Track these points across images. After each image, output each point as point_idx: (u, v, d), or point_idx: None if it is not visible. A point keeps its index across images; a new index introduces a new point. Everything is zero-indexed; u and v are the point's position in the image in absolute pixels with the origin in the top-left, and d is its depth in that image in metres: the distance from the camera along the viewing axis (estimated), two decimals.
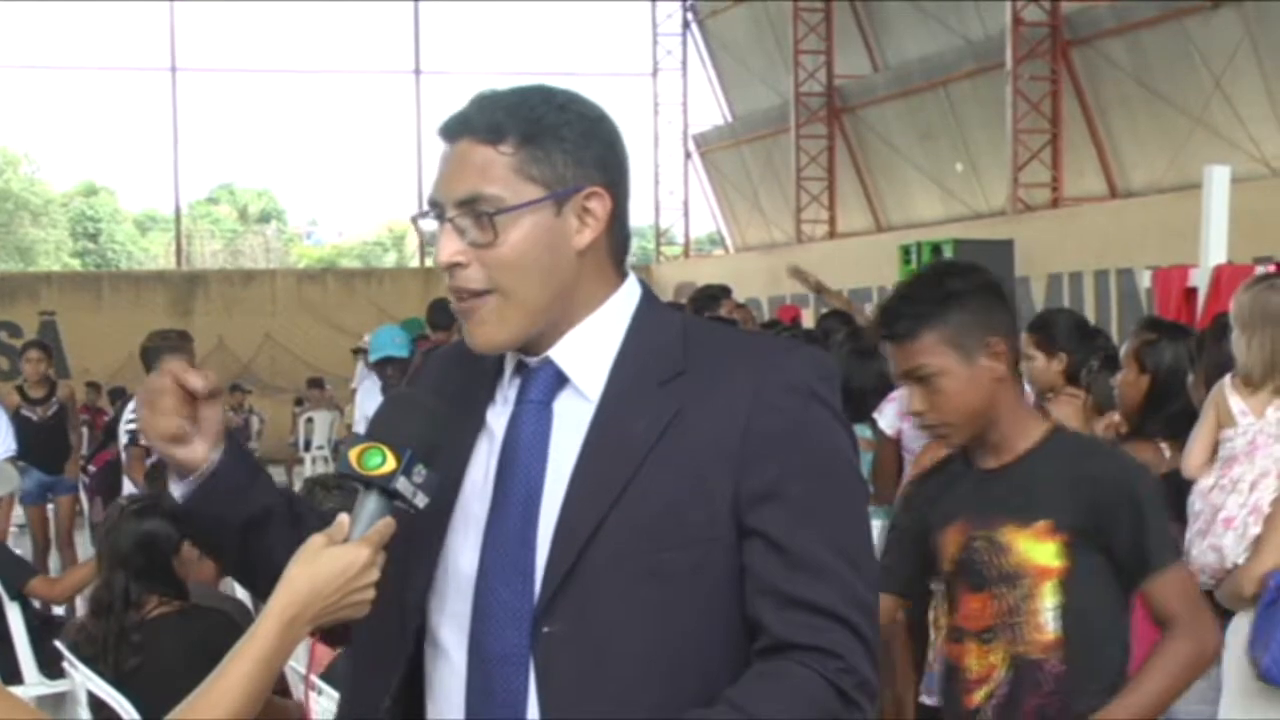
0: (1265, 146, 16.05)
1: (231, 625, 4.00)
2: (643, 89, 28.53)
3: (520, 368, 1.92)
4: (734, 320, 7.59)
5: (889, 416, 5.60)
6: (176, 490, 1.94)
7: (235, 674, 1.74)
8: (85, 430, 13.04)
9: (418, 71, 27.27)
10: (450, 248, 1.84)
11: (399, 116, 35.96)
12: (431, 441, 1.82)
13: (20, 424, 10.32)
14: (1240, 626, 4.02)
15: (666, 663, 1.80)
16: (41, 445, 10.67)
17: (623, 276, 1.93)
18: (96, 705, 4.23)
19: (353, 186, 73.96)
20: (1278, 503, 4.01)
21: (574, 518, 1.81)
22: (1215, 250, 6.53)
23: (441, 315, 8.98)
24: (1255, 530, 4.02)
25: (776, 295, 19.21)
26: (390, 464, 1.78)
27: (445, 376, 2.01)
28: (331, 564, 1.76)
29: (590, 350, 1.89)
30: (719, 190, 28.63)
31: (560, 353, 1.89)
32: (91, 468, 11.57)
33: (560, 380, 1.89)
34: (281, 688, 3.80)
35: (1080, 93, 18.75)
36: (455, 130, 1.87)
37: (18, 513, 11.15)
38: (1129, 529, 2.73)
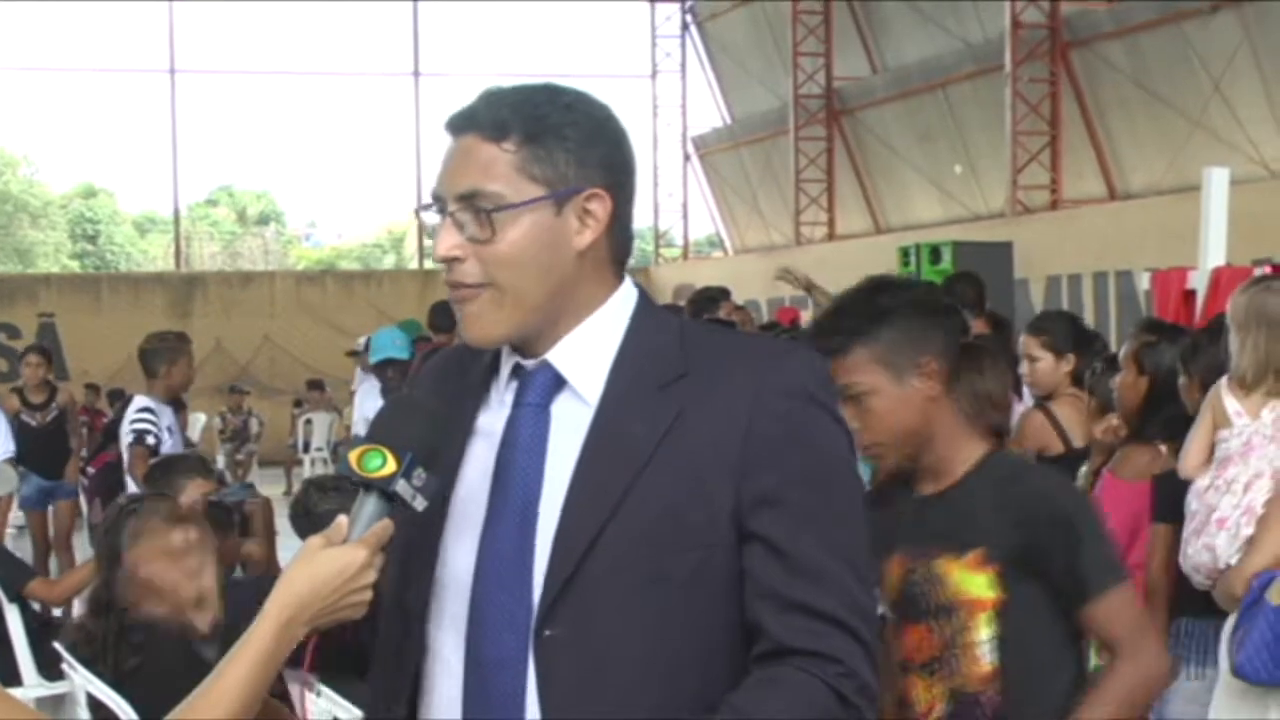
0: (1264, 149, 16.05)
1: (229, 626, 4.00)
2: (641, 91, 28.54)
3: (517, 371, 1.92)
4: (733, 322, 7.61)
5: None
6: None
7: (234, 674, 1.75)
8: (84, 432, 13.03)
9: (417, 73, 27.25)
10: (448, 241, 1.85)
11: (398, 118, 35.97)
12: (432, 445, 1.83)
13: (19, 429, 10.33)
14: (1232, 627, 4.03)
15: (667, 665, 1.80)
16: (41, 451, 10.68)
17: (621, 279, 1.93)
18: (95, 706, 4.23)
19: (352, 188, 73.93)
20: (1271, 503, 4.02)
21: (574, 524, 1.81)
22: (1214, 252, 6.53)
23: (443, 317, 8.99)
24: (1248, 531, 4.03)
25: (775, 297, 19.19)
26: (390, 466, 1.78)
27: (443, 379, 2.01)
28: (329, 564, 1.77)
29: (588, 352, 1.89)
30: (718, 192, 28.62)
31: (558, 355, 1.89)
32: (90, 469, 11.56)
33: (558, 383, 1.89)
34: (280, 689, 3.80)
35: (1079, 95, 18.75)
36: (461, 125, 1.88)
37: (17, 515, 11.15)
38: (1063, 554, 2.64)
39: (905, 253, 15.41)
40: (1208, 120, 16.55)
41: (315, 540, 1.79)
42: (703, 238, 35.40)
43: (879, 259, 17.58)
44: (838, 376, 2.66)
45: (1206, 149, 15.77)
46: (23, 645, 6.27)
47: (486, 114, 1.86)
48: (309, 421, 19.47)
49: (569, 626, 1.79)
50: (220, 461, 17.64)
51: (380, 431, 1.82)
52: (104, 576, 4.23)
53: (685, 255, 30.10)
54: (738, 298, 9.34)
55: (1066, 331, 5.72)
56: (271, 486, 13.88)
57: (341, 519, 1.80)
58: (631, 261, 1.98)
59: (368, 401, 9.88)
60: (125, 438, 7.06)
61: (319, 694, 3.64)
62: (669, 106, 28.82)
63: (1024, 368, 5.73)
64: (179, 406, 7.85)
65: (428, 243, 27.77)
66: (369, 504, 1.79)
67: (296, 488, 6.98)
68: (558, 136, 1.85)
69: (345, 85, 41.65)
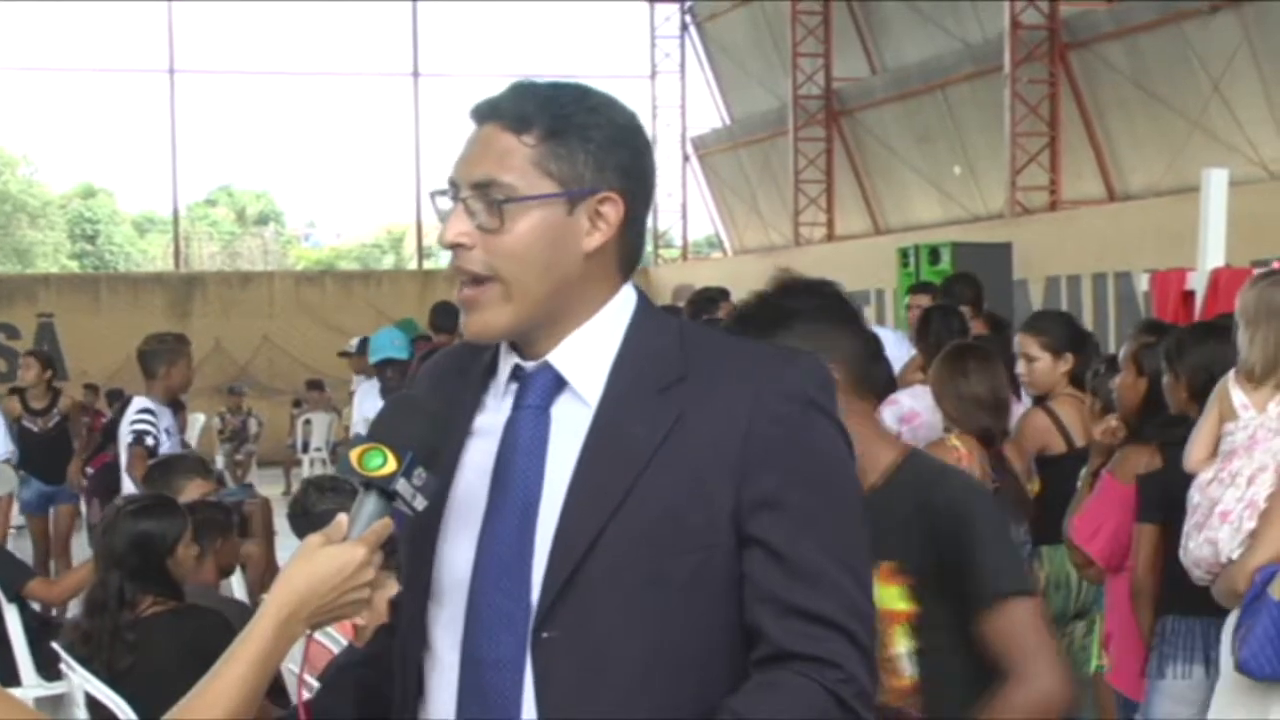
0: (1263, 150, 16.04)
1: (226, 625, 4.01)
2: (641, 91, 28.49)
3: (517, 373, 1.92)
4: None
5: (888, 419, 5.60)
6: None
7: (232, 673, 1.74)
8: (84, 432, 13.03)
9: (416, 74, 27.23)
10: (457, 227, 1.85)
11: (397, 119, 35.89)
12: (432, 444, 1.83)
13: (21, 434, 10.33)
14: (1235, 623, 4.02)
15: (665, 667, 1.80)
16: (43, 455, 10.69)
17: (626, 284, 1.93)
18: (94, 706, 4.24)
19: (351, 189, 73.95)
20: (1274, 497, 4.00)
21: (573, 526, 1.81)
22: (1213, 253, 6.52)
23: (443, 317, 8.99)
24: (1250, 525, 4.01)
25: None
26: (391, 465, 1.79)
27: (441, 379, 2.01)
28: (328, 563, 1.77)
29: (589, 354, 1.89)
30: (717, 193, 28.62)
31: (559, 356, 1.89)
32: (89, 469, 11.55)
33: (559, 384, 1.89)
34: (278, 688, 3.80)
35: (1078, 96, 18.74)
36: (485, 113, 1.88)
37: (17, 516, 11.15)
38: (962, 558, 2.49)
39: (904, 253, 15.40)
40: (1207, 121, 16.55)
41: (314, 538, 1.80)
42: (702, 238, 35.41)
43: (878, 260, 17.61)
44: None
45: (1206, 150, 15.77)
46: (22, 645, 6.28)
47: (511, 105, 1.87)
48: (308, 422, 19.47)
49: (567, 628, 1.79)
50: (219, 462, 17.65)
51: (381, 430, 1.83)
52: (100, 575, 4.24)
53: (684, 256, 30.09)
54: (737, 298, 9.31)
55: (1064, 331, 5.73)
56: (270, 487, 13.89)
57: (341, 517, 1.80)
58: None
59: (367, 401, 9.88)
60: (124, 439, 7.06)
61: None
62: (668, 107, 28.81)
63: (1021, 367, 5.73)
64: (177, 407, 7.85)
65: (427, 243, 27.84)
66: (369, 503, 1.79)
67: (295, 488, 6.98)
68: (580, 137, 1.85)
69: (345, 85, 41.69)
